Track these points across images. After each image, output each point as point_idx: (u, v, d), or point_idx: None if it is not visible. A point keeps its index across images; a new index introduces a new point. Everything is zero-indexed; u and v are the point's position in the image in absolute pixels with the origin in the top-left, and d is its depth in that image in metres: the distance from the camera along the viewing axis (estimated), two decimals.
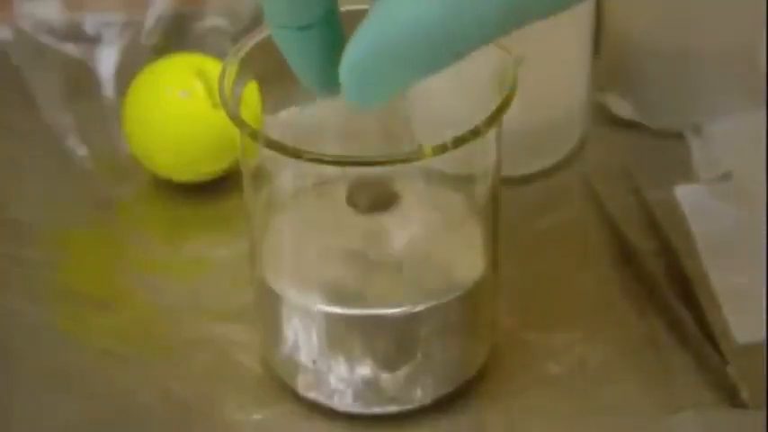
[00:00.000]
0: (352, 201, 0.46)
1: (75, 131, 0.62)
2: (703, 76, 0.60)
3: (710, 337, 0.49)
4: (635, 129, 0.62)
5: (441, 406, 0.48)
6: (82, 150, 0.61)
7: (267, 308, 0.48)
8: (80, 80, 0.65)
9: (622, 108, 0.62)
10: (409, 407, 0.48)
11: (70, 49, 0.65)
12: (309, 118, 0.47)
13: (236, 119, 0.43)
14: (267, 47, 0.45)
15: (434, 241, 0.47)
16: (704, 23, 0.59)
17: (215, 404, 0.49)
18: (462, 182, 0.47)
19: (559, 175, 0.59)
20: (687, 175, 0.59)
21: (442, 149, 0.41)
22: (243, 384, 0.50)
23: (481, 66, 0.45)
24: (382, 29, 0.34)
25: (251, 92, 0.46)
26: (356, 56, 0.34)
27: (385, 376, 0.47)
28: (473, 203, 0.47)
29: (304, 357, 0.47)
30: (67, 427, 0.49)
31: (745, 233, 0.55)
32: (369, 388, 0.47)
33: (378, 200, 0.46)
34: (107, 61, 0.65)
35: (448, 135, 0.41)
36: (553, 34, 0.56)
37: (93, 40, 0.66)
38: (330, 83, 0.38)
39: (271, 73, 0.46)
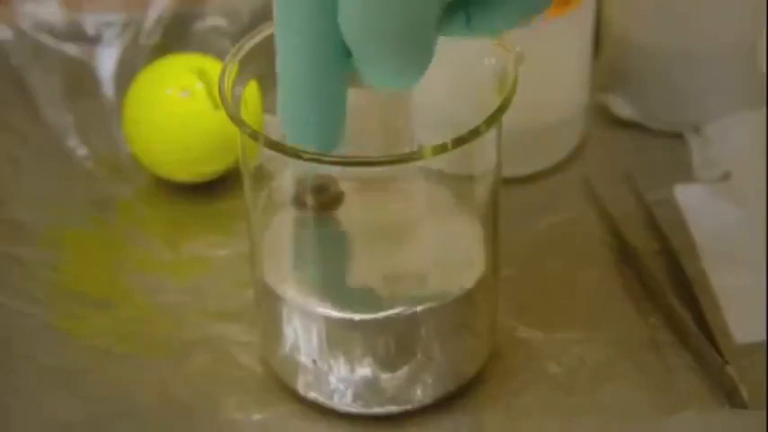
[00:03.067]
0: (299, 201, 0.46)
1: (75, 131, 0.62)
2: (703, 76, 0.60)
3: (710, 337, 0.49)
4: (635, 129, 0.62)
5: (441, 406, 0.48)
6: (82, 150, 0.61)
7: (267, 308, 0.48)
8: (80, 80, 0.65)
9: (622, 108, 0.62)
10: (409, 407, 0.48)
11: (70, 49, 0.65)
12: None
13: (236, 119, 0.43)
14: (267, 47, 0.45)
15: (434, 242, 0.47)
16: (704, 23, 0.59)
17: (215, 404, 0.49)
18: (462, 182, 0.47)
19: (559, 176, 0.59)
20: (687, 175, 0.59)
21: (442, 149, 0.41)
22: (243, 384, 0.50)
23: (481, 66, 0.45)
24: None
25: (251, 92, 0.46)
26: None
27: (385, 376, 0.47)
28: (473, 203, 0.47)
29: (304, 357, 0.47)
30: (67, 426, 0.49)
31: (744, 233, 0.55)
32: (369, 388, 0.47)
33: (325, 200, 0.46)
34: (107, 61, 0.65)
35: (448, 135, 0.41)
36: (553, 34, 0.56)
37: (93, 40, 0.66)
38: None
39: (271, 73, 0.46)
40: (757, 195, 0.55)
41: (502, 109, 0.42)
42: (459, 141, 0.41)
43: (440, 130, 0.42)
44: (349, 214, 0.47)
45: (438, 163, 0.46)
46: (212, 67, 0.58)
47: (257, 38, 0.45)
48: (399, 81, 0.37)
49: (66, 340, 0.52)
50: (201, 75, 0.57)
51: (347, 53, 0.37)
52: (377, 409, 0.48)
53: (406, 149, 0.41)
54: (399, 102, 0.50)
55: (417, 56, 0.37)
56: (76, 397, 0.50)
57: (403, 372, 0.47)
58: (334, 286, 0.46)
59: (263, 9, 0.65)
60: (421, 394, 0.47)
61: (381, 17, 0.35)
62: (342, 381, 0.47)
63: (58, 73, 0.65)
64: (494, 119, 0.42)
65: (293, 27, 0.38)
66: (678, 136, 0.61)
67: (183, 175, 0.58)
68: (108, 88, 0.65)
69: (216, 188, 0.59)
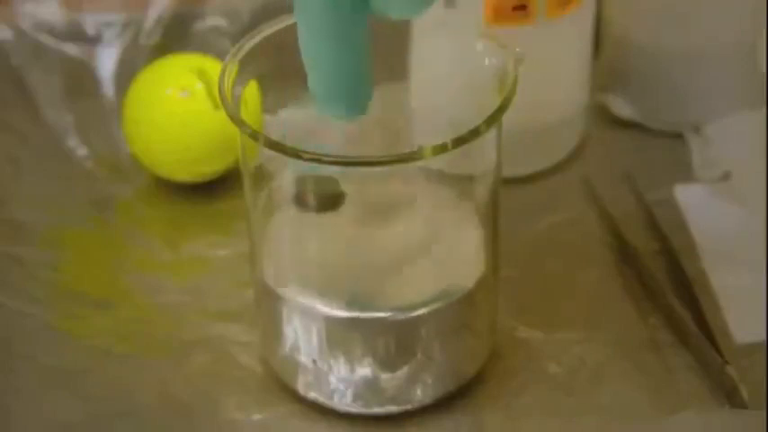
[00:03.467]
0: (300, 201, 0.46)
1: (75, 131, 0.62)
2: (703, 76, 0.60)
3: (710, 337, 0.49)
4: (635, 129, 0.62)
5: (441, 406, 0.48)
6: (82, 150, 0.61)
7: (267, 308, 0.48)
8: (80, 80, 0.65)
9: (622, 108, 0.62)
10: (409, 407, 0.48)
11: (70, 49, 0.65)
12: (309, 118, 0.47)
13: (236, 119, 0.43)
14: (267, 47, 0.45)
15: (434, 241, 0.47)
16: (704, 23, 0.59)
17: (215, 404, 0.49)
18: (462, 182, 0.47)
19: (559, 176, 0.59)
20: (687, 175, 0.59)
21: (442, 149, 0.41)
22: (243, 384, 0.50)
23: (481, 66, 0.45)
24: None
25: (251, 92, 0.46)
26: None
27: (385, 376, 0.47)
28: (473, 203, 0.47)
29: (304, 357, 0.47)
30: (67, 426, 0.49)
31: (744, 233, 0.55)
32: (369, 388, 0.47)
33: (326, 200, 0.46)
34: (107, 61, 0.65)
35: (448, 135, 0.41)
36: (553, 34, 0.56)
37: (93, 40, 0.66)
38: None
39: (271, 73, 0.46)
40: (757, 195, 0.55)
41: (502, 109, 0.42)
42: (459, 141, 0.41)
43: (440, 130, 0.42)
44: (349, 214, 0.47)
45: (438, 163, 0.46)
46: (212, 67, 0.58)
47: (257, 38, 0.45)
48: (409, 8, 0.38)
49: (66, 340, 0.52)
50: (201, 75, 0.57)
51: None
52: (377, 409, 0.48)
53: (406, 149, 0.41)
54: (399, 102, 0.50)
55: None
56: (76, 397, 0.50)
57: (403, 372, 0.47)
58: (334, 286, 0.46)
59: (263, 9, 0.65)
60: (421, 394, 0.47)
61: None
62: (342, 381, 0.47)
63: (58, 73, 0.65)
64: (494, 119, 0.42)
65: None
66: (678, 136, 0.61)
67: (183, 175, 0.58)
68: (108, 88, 0.65)
69: (216, 188, 0.59)
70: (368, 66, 0.40)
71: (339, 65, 0.39)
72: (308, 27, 0.39)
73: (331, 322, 0.46)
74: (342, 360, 0.46)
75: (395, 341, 0.46)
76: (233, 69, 0.45)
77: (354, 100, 0.40)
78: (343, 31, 0.39)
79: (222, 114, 0.44)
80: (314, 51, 0.39)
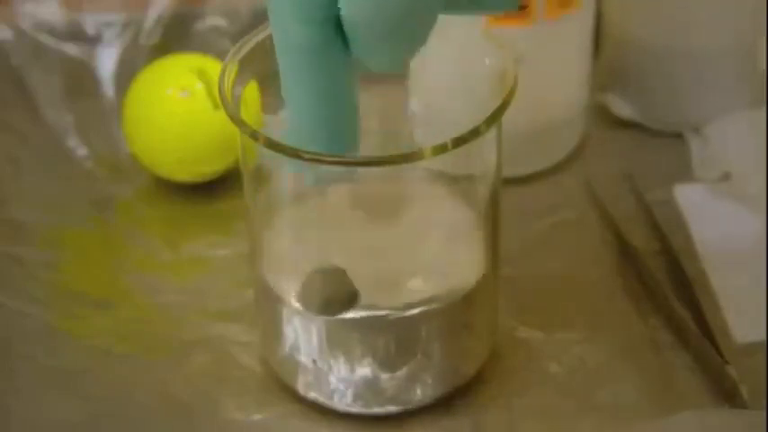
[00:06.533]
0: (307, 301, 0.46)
1: (75, 131, 0.62)
2: (703, 76, 0.60)
3: (710, 337, 0.49)
4: (635, 129, 0.62)
5: (441, 406, 0.48)
6: (82, 150, 0.61)
7: (267, 308, 0.48)
8: (80, 80, 0.65)
9: (622, 108, 0.62)
10: (409, 407, 0.48)
11: (70, 49, 0.65)
12: None
13: (236, 119, 0.43)
14: (267, 47, 0.45)
15: (435, 242, 0.47)
16: (704, 23, 0.59)
17: (215, 404, 0.49)
18: (462, 182, 0.47)
19: (559, 176, 0.59)
20: (687, 175, 0.59)
21: (442, 149, 0.41)
22: (243, 384, 0.50)
23: (481, 66, 0.45)
24: None
25: (251, 92, 0.46)
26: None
27: (385, 376, 0.47)
28: (473, 204, 0.47)
29: (304, 357, 0.47)
30: (67, 426, 0.49)
31: (744, 233, 0.55)
32: (369, 388, 0.47)
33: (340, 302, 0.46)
34: (107, 61, 0.65)
35: (448, 135, 0.41)
36: (553, 34, 0.56)
37: (93, 40, 0.66)
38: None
39: (271, 73, 0.46)
40: (757, 195, 0.55)
41: (502, 109, 0.42)
42: (459, 141, 0.41)
43: (440, 130, 0.42)
44: (349, 215, 0.47)
45: (438, 163, 0.46)
46: (212, 67, 0.58)
47: (257, 38, 0.45)
48: (393, 65, 0.38)
49: (67, 340, 0.52)
50: (201, 75, 0.57)
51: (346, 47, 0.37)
52: (377, 409, 0.48)
53: (406, 149, 0.41)
54: (399, 102, 0.50)
55: (417, 40, 0.37)
56: (76, 397, 0.50)
57: (403, 372, 0.47)
58: (334, 287, 0.46)
59: (263, 9, 0.64)
60: (421, 394, 0.47)
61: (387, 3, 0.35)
62: (342, 381, 0.47)
63: (58, 73, 0.65)
64: (494, 119, 0.42)
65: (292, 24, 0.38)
66: (678, 136, 0.61)
67: (183, 175, 0.58)
68: (108, 88, 0.65)
69: (216, 188, 0.59)
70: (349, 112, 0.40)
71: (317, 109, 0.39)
72: (286, 66, 0.39)
73: (331, 322, 0.46)
74: (342, 360, 0.46)
75: (395, 341, 0.46)
76: (233, 69, 0.45)
77: (335, 142, 0.40)
78: (321, 73, 0.39)
79: (222, 114, 0.44)
80: (292, 93, 0.39)
